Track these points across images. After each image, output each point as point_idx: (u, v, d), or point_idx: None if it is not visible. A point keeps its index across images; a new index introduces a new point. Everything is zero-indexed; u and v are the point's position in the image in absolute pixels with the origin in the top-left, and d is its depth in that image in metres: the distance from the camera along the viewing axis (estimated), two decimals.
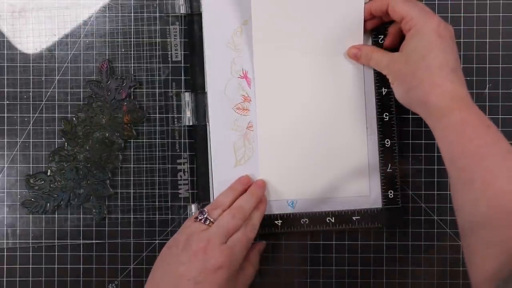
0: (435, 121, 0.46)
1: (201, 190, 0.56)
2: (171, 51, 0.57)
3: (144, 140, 0.57)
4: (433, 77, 0.46)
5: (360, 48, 0.54)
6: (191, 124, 0.56)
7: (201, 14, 0.55)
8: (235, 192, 0.53)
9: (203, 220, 0.49)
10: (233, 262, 0.47)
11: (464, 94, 0.46)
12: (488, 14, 0.57)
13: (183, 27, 0.57)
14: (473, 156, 0.43)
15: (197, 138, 0.56)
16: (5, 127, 0.57)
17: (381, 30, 0.55)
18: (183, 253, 0.47)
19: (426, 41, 0.47)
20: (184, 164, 0.57)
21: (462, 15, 0.57)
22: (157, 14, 0.57)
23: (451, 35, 0.48)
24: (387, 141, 0.55)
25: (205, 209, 0.50)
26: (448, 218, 0.57)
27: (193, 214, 0.56)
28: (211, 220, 0.49)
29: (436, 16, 0.48)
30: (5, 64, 0.57)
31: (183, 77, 0.57)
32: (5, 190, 0.57)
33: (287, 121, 0.55)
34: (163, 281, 0.47)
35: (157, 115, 0.57)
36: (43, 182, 0.57)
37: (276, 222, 0.55)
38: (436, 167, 0.57)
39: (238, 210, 0.50)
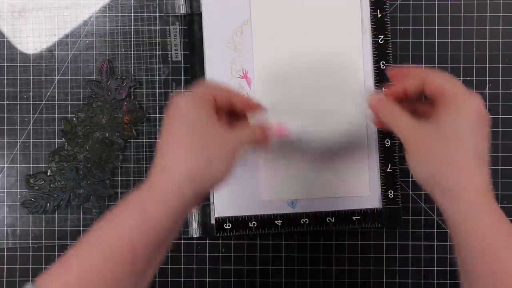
0: (456, 211, 0.40)
1: None
2: (171, 51, 0.57)
3: (144, 140, 0.57)
4: (469, 164, 0.40)
5: (384, 104, 0.45)
6: None
7: (201, 14, 0.55)
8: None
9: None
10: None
11: (491, 192, 0.40)
12: (488, 14, 0.57)
13: (183, 27, 0.57)
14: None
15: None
16: (5, 127, 0.57)
17: (381, 30, 0.55)
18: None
19: (467, 120, 0.40)
20: None
21: (462, 15, 0.57)
22: (157, 14, 0.57)
23: (489, 121, 0.42)
24: (387, 141, 0.55)
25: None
26: None
27: (189, 224, 0.56)
28: None
29: (478, 95, 0.42)
30: (5, 64, 0.57)
31: (183, 77, 0.57)
32: (5, 190, 0.57)
33: (287, 121, 0.55)
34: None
35: (157, 115, 0.57)
36: (43, 182, 0.57)
37: (276, 222, 0.55)
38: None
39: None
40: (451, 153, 0.40)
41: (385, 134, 0.55)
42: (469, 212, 0.39)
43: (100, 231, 0.38)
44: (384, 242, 0.57)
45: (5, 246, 0.57)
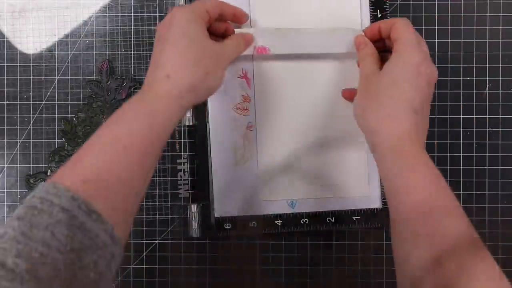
0: (380, 154, 0.44)
1: (201, 190, 0.56)
2: None
3: None
4: (396, 111, 0.44)
5: (366, 44, 0.51)
6: (191, 124, 0.56)
7: None
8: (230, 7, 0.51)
9: None
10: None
11: (414, 138, 0.43)
12: (488, 14, 0.57)
13: None
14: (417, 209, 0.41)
15: (197, 138, 0.56)
16: (5, 127, 0.57)
17: None
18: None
19: (403, 70, 0.45)
20: (184, 164, 0.57)
21: (462, 15, 0.57)
22: (157, 14, 0.57)
23: (430, 79, 0.45)
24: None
25: None
26: None
27: (189, 224, 0.56)
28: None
29: (427, 54, 0.46)
30: (5, 64, 0.57)
31: None
32: (5, 190, 0.57)
33: (286, 121, 0.55)
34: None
35: None
36: (43, 182, 0.57)
37: (276, 222, 0.55)
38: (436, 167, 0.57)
39: None
40: (383, 99, 0.44)
41: None
42: (384, 156, 0.44)
43: (110, 132, 0.40)
44: (384, 242, 0.57)
45: None
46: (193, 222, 0.56)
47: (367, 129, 0.46)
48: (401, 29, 0.47)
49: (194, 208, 0.56)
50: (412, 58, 0.45)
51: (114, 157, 0.39)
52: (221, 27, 0.50)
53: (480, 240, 0.39)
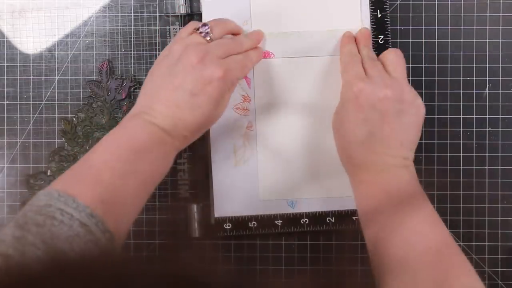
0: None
1: (201, 190, 0.56)
2: None
3: None
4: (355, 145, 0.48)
5: (349, 43, 0.53)
6: None
7: (201, 14, 0.55)
8: (234, 27, 0.52)
9: (203, 34, 0.48)
10: (228, 77, 0.46)
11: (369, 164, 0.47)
12: (488, 14, 0.57)
13: (183, 27, 0.57)
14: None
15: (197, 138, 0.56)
16: (5, 127, 0.57)
17: (381, 30, 0.55)
18: (179, 63, 0.46)
19: (345, 107, 0.48)
20: (184, 164, 0.57)
21: (462, 15, 0.57)
22: (157, 14, 0.57)
23: (370, 102, 0.47)
24: None
25: (207, 23, 0.49)
26: (448, 218, 0.56)
27: (188, 225, 0.56)
28: (211, 36, 0.48)
29: (361, 80, 0.47)
30: (5, 64, 0.57)
31: None
32: (5, 190, 0.57)
33: (286, 121, 0.55)
34: (158, 93, 0.46)
35: None
36: (43, 182, 0.57)
37: (276, 222, 0.55)
38: (436, 167, 0.57)
39: (239, 40, 0.50)
40: (344, 132, 0.48)
41: None
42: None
43: (132, 160, 0.43)
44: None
45: None
46: (193, 222, 0.56)
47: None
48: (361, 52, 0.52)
49: (194, 208, 0.56)
50: (348, 93, 0.48)
51: (131, 183, 0.42)
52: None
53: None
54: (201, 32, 0.48)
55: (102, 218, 0.38)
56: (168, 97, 0.45)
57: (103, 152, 0.43)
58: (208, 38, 0.48)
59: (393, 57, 0.49)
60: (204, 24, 0.48)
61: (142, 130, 0.44)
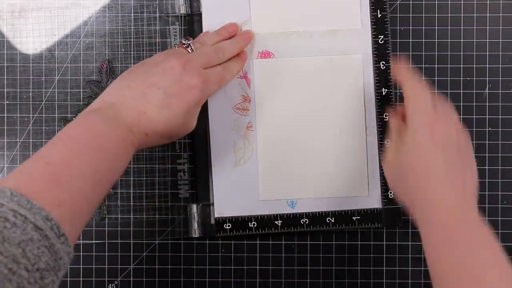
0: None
1: (201, 190, 0.56)
2: None
3: None
4: (422, 189, 0.44)
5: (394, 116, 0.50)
6: None
7: (201, 14, 0.55)
8: (219, 37, 0.52)
9: (185, 45, 0.49)
10: (206, 88, 0.46)
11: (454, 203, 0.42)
12: (488, 14, 0.57)
13: (183, 27, 0.57)
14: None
15: (197, 138, 0.56)
16: (5, 127, 0.57)
17: (381, 30, 0.55)
18: (158, 66, 0.46)
19: (418, 147, 0.45)
20: (184, 164, 0.57)
21: (462, 15, 0.57)
22: (157, 14, 0.57)
23: (447, 134, 0.44)
24: (387, 141, 0.55)
25: (189, 38, 0.50)
26: None
27: (189, 224, 0.56)
28: (193, 48, 0.49)
29: (431, 112, 0.45)
30: (5, 64, 0.57)
31: None
32: None
33: (286, 121, 0.55)
34: (128, 88, 0.45)
35: None
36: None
37: (276, 222, 0.55)
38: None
39: (221, 49, 0.50)
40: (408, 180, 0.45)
41: (385, 134, 0.55)
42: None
43: (92, 158, 0.40)
44: (384, 242, 0.57)
45: None
46: (193, 222, 0.56)
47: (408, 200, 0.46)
48: (405, 95, 0.47)
49: (194, 208, 0.56)
50: (422, 131, 0.45)
51: (89, 184, 0.39)
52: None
53: None
54: (183, 44, 0.49)
55: (58, 221, 0.35)
56: (139, 91, 0.44)
57: (61, 149, 0.39)
58: (190, 50, 0.49)
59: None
60: (187, 38, 0.49)
61: (104, 126, 0.42)
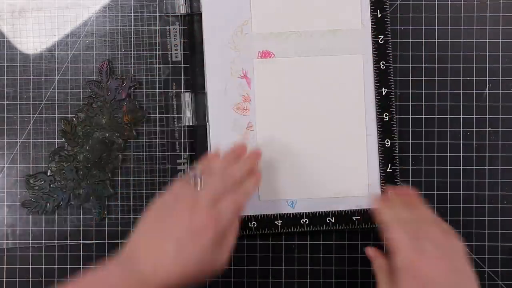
0: None
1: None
2: (171, 51, 0.57)
3: (144, 140, 0.57)
4: None
5: (375, 256, 0.50)
6: (191, 124, 0.56)
7: (201, 14, 0.56)
8: (227, 161, 0.51)
9: (194, 183, 0.48)
10: (219, 226, 0.46)
11: None
12: (488, 14, 0.57)
13: (183, 27, 0.57)
14: None
15: (197, 138, 0.56)
16: (5, 127, 0.57)
17: (381, 30, 0.55)
18: (168, 212, 0.46)
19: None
20: (184, 164, 0.57)
21: (462, 15, 0.57)
22: (157, 14, 0.57)
23: (440, 280, 0.43)
24: (387, 141, 0.55)
25: (196, 173, 0.49)
26: (448, 218, 0.57)
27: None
28: (202, 183, 0.48)
29: (422, 260, 0.43)
30: (5, 64, 0.57)
31: (183, 77, 0.57)
32: (5, 190, 0.57)
33: (286, 121, 0.55)
34: (146, 240, 0.45)
35: (157, 115, 0.57)
36: (43, 182, 0.57)
37: (276, 222, 0.55)
38: (436, 167, 0.57)
39: (229, 176, 0.49)
40: None
41: (385, 134, 0.55)
42: None
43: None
44: (384, 242, 0.57)
45: (5, 246, 0.57)
46: None
47: None
48: (391, 235, 0.46)
49: None
50: (405, 270, 0.44)
51: None
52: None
53: None
54: (190, 183, 0.48)
55: None
56: (154, 243, 0.45)
57: None
58: (198, 187, 0.48)
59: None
60: (194, 175, 0.48)
61: (121, 279, 0.43)
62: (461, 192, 0.57)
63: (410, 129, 0.57)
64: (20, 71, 0.57)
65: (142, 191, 0.57)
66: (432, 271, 0.43)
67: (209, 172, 0.49)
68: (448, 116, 0.57)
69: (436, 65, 0.57)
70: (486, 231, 0.56)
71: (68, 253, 0.57)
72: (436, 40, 0.57)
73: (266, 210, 0.55)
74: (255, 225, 0.55)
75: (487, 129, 0.57)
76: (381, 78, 0.55)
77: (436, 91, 0.57)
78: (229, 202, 0.47)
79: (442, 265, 0.43)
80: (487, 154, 0.57)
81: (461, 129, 0.57)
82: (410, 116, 0.57)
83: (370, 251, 0.50)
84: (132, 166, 0.57)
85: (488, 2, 0.57)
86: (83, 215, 0.57)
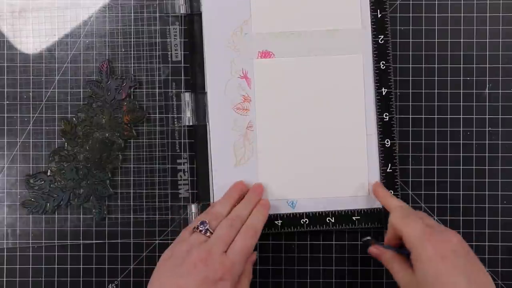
0: None
1: (201, 190, 0.56)
2: (171, 51, 0.57)
3: (144, 140, 0.57)
4: None
5: (382, 251, 0.50)
6: (191, 124, 0.56)
7: (201, 14, 0.56)
8: (231, 200, 0.52)
9: (203, 231, 0.48)
10: (234, 273, 0.46)
11: None
12: (488, 14, 0.57)
13: (183, 27, 0.57)
14: None
15: (197, 138, 0.56)
16: (5, 127, 0.57)
17: (381, 30, 0.55)
18: (182, 265, 0.46)
19: (430, 268, 0.43)
20: (184, 164, 0.57)
21: (462, 15, 0.57)
22: (157, 14, 0.57)
23: (455, 248, 0.44)
24: (387, 141, 0.55)
25: (205, 220, 0.49)
26: (448, 218, 0.57)
27: (189, 223, 0.56)
28: (211, 230, 0.48)
29: (434, 233, 0.45)
30: (5, 64, 0.57)
31: (183, 77, 0.57)
32: (5, 190, 0.57)
33: (286, 121, 0.55)
34: None
35: (157, 115, 0.57)
36: (43, 182, 0.57)
37: (276, 222, 0.55)
38: (436, 167, 0.57)
39: (236, 219, 0.49)
40: None
41: (385, 134, 0.55)
42: None
43: None
44: (384, 242, 0.57)
45: (5, 246, 0.57)
46: None
47: None
48: (399, 226, 0.47)
49: (194, 208, 0.56)
50: (426, 253, 0.44)
51: None
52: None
53: None
54: (200, 230, 0.48)
55: None
56: None
57: None
58: (208, 234, 0.48)
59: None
60: (202, 223, 0.48)
61: None
62: (461, 192, 0.57)
63: (410, 129, 0.57)
64: (20, 71, 0.57)
65: (142, 191, 0.57)
66: (446, 241, 0.44)
67: (216, 217, 0.49)
68: (448, 116, 0.57)
69: (436, 65, 0.57)
70: (486, 231, 0.57)
71: (68, 253, 0.57)
72: (436, 40, 0.57)
73: None
74: None
75: (487, 129, 0.57)
76: (381, 78, 0.55)
77: (436, 91, 0.57)
78: (240, 247, 0.47)
79: (453, 237, 0.45)
80: (487, 154, 0.57)
81: (461, 129, 0.57)
82: (410, 116, 0.57)
83: (374, 249, 0.51)
84: (132, 166, 0.57)
85: (488, 2, 0.57)
86: (83, 215, 0.57)
